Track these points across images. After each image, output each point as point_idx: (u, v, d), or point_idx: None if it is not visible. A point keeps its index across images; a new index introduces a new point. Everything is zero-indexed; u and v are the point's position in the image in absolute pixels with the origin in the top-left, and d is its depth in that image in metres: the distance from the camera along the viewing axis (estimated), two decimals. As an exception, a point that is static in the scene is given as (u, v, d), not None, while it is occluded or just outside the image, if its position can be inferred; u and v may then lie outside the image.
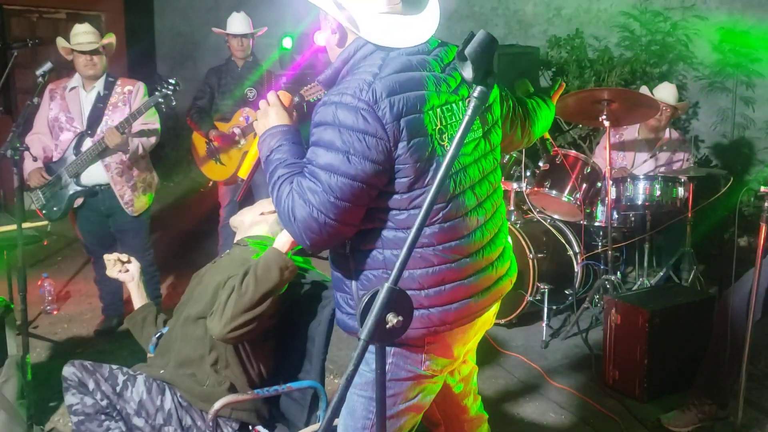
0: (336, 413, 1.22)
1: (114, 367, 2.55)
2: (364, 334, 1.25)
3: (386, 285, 1.26)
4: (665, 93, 5.26)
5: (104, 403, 2.45)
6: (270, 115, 2.04)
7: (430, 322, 1.98)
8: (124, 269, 2.89)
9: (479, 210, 2.04)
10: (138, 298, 2.92)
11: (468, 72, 1.27)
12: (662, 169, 5.32)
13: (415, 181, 1.88)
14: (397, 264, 1.27)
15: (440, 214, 1.94)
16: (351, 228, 1.91)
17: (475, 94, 1.29)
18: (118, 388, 2.49)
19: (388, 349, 2.00)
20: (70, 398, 2.49)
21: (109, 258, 2.90)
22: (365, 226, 1.94)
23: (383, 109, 1.82)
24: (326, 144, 1.83)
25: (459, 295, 2.01)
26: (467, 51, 1.26)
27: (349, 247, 1.98)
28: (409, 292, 1.90)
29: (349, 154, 1.81)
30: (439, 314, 1.99)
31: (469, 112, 1.29)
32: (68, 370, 2.50)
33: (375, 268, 1.97)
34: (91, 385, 2.46)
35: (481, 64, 1.25)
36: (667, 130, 5.38)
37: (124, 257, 2.92)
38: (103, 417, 2.46)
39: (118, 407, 2.47)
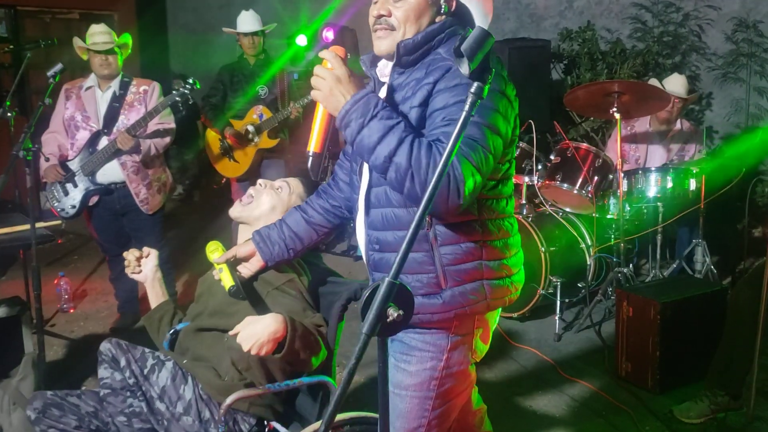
0: (338, 407, 1.24)
1: (147, 350, 2.61)
2: (365, 328, 1.27)
3: (386, 279, 1.28)
4: (675, 85, 5.24)
5: (131, 381, 2.52)
6: (343, 80, 1.85)
7: (507, 291, 2.06)
8: (138, 270, 2.90)
9: None
10: (154, 296, 2.92)
11: (465, 68, 1.30)
12: (675, 159, 5.31)
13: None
14: (398, 258, 1.28)
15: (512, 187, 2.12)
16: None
17: (472, 89, 1.31)
18: (145, 371, 2.54)
19: (444, 344, 2.03)
20: (102, 372, 2.56)
21: (128, 255, 2.88)
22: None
23: (510, 81, 1.96)
24: (486, 105, 1.83)
25: (519, 263, 2.14)
26: (463, 47, 1.29)
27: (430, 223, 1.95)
28: (498, 261, 1.99)
29: (505, 116, 1.89)
30: (514, 282, 2.09)
31: (467, 107, 1.32)
32: (105, 346, 2.56)
33: (471, 240, 1.97)
34: (122, 363, 2.53)
35: (476, 60, 1.27)
36: (678, 120, 5.37)
37: (143, 252, 2.88)
38: (128, 394, 2.52)
39: (144, 389, 2.53)
